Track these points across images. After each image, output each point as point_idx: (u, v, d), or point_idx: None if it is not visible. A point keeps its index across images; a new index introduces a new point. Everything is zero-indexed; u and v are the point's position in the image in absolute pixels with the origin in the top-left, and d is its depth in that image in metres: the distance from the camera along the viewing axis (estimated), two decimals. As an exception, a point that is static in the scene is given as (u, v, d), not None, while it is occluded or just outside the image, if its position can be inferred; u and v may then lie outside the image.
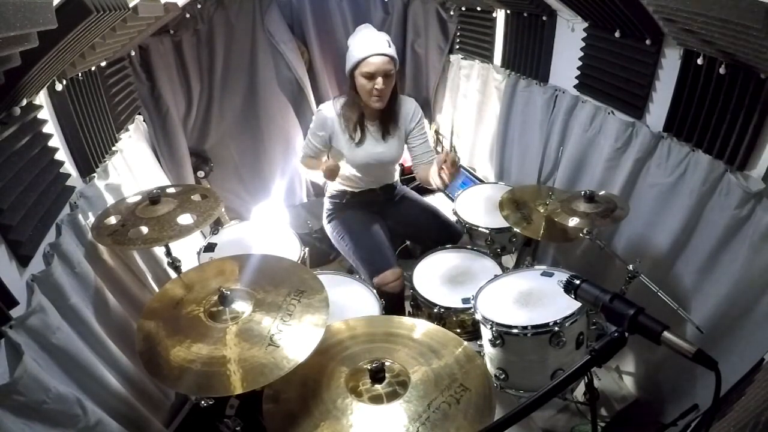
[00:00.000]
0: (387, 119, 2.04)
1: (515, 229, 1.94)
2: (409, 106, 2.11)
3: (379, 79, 1.88)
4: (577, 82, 2.10)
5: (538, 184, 2.40)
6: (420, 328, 1.39)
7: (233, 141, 2.94)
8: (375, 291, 1.80)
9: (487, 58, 2.76)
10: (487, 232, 2.10)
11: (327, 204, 2.23)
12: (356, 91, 1.96)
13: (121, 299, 1.52)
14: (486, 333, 1.54)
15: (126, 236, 1.42)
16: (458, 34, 3.01)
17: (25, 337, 1.01)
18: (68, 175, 1.43)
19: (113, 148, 1.85)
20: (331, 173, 1.91)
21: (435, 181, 1.90)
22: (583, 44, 2.00)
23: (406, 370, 1.23)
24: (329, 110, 2.03)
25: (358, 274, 2.06)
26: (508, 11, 2.49)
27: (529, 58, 2.39)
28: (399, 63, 1.98)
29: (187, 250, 1.88)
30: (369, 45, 1.89)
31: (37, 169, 1.25)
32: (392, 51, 1.91)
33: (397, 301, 1.99)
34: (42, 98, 1.41)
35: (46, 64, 1.11)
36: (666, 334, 0.77)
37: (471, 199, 2.35)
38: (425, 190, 3.15)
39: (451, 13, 2.96)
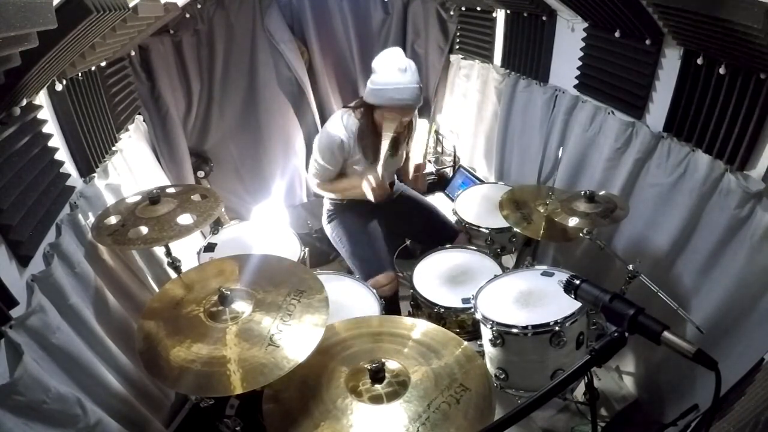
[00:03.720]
0: (402, 139, 2.05)
1: (515, 229, 1.94)
2: (416, 117, 2.13)
3: (402, 120, 1.88)
4: (577, 82, 2.10)
5: (538, 184, 2.40)
6: (420, 328, 1.39)
7: (233, 141, 2.94)
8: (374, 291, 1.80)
9: (487, 58, 2.76)
10: (487, 232, 2.10)
11: (327, 204, 2.23)
12: (373, 119, 1.91)
13: (121, 299, 1.52)
14: (486, 333, 1.54)
15: (126, 236, 1.43)
16: (458, 34, 3.01)
17: (25, 337, 1.01)
18: (68, 175, 1.43)
19: (113, 148, 1.85)
20: (381, 193, 1.92)
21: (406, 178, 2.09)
22: (583, 44, 2.00)
23: (406, 370, 1.23)
24: (340, 131, 1.93)
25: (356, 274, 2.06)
26: (508, 11, 2.49)
27: (529, 58, 2.39)
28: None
29: (187, 250, 1.88)
30: (402, 94, 1.80)
31: (37, 169, 1.25)
32: (421, 96, 1.85)
33: (392, 303, 2.00)
34: (42, 98, 1.41)
35: (46, 64, 1.11)
36: (666, 334, 0.77)
37: (471, 199, 2.35)
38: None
39: (451, 13, 2.96)
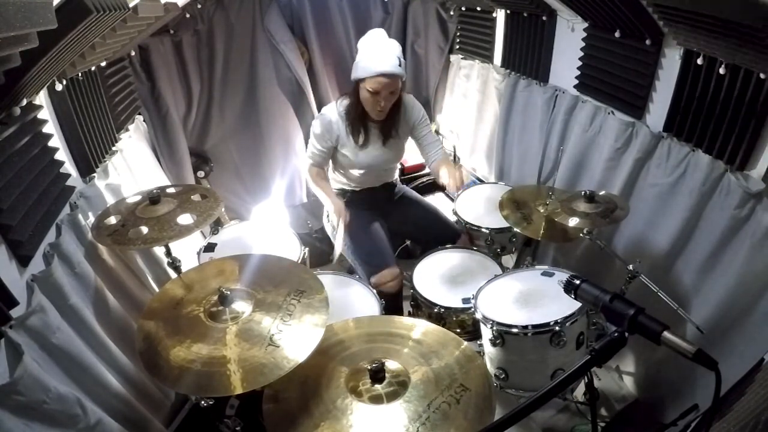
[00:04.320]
0: (389, 124, 2.04)
1: (515, 229, 1.94)
2: (409, 104, 2.11)
3: (383, 95, 1.88)
4: (577, 82, 2.10)
5: (538, 184, 2.40)
6: (420, 328, 1.39)
7: (233, 141, 2.94)
8: (375, 291, 1.80)
9: (487, 58, 2.76)
10: (487, 232, 2.10)
11: (327, 204, 2.23)
12: (359, 98, 1.95)
13: (121, 299, 1.52)
14: (486, 333, 1.54)
15: (126, 236, 1.43)
16: (458, 34, 3.01)
17: (25, 337, 1.01)
18: (68, 175, 1.43)
19: (113, 148, 1.85)
20: (341, 215, 1.97)
21: (443, 182, 2.02)
22: (583, 44, 2.00)
23: (406, 370, 1.23)
24: (332, 113, 2.01)
25: (357, 273, 2.06)
26: (508, 11, 2.49)
27: (529, 58, 2.39)
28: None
29: (187, 250, 1.88)
30: (379, 62, 1.84)
31: (37, 169, 1.25)
32: (401, 69, 1.87)
33: (395, 301, 1.99)
34: (42, 98, 1.41)
35: (46, 64, 1.11)
36: (666, 334, 0.77)
37: (471, 199, 2.35)
38: (425, 189, 3.15)
39: (451, 13, 2.96)
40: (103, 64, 1.82)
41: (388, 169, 2.21)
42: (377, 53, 1.87)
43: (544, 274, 1.68)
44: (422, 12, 2.99)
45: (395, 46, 1.90)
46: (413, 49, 3.09)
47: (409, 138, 2.18)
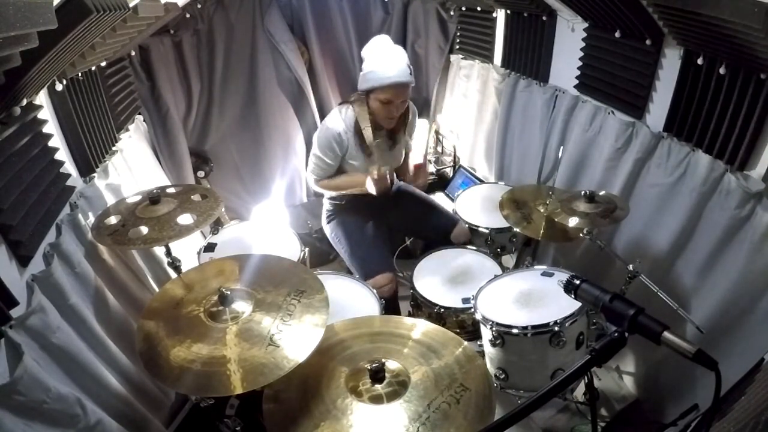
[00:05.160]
0: (396, 130, 2.03)
1: (515, 229, 1.94)
2: (413, 112, 2.12)
3: (396, 104, 1.86)
4: (577, 82, 2.10)
5: (538, 184, 2.40)
6: (420, 328, 1.39)
7: (233, 141, 2.94)
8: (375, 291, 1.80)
9: (487, 58, 2.76)
10: (487, 232, 2.10)
11: (326, 205, 2.23)
12: (368, 105, 1.91)
13: (121, 299, 1.52)
14: (486, 333, 1.54)
15: (126, 236, 1.43)
16: (458, 34, 3.01)
17: (25, 337, 1.01)
18: (68, 175, 1.43)
19: (113, 148, 1.85)
20: (383, 186, 1.90)
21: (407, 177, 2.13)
22: (583, 44, 2.00)
23: (406, 370, 1.23)
24: (338, 124, 1.95)
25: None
26: (508, 11, 2.49)
27: (529, 58, 2.39)
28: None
29: (187, 250, 1.88)
30: (390, 71, 1.81)
31: (37, 169, 1.25)
32: (412, 77, 1.85)
33: (392, 304, 2.00)
34: (42, 98, 1.41)
35: (46, 64, 1.11)
36: (666, 334, 0.77)
37: (471, 199, 2.35)
38: (424, 189, 3.15)
39: (451, 13, 2.96)
40: (103, 64, 1.82)
41: (389, 170, 2.21)
42: (387, 62, 1.83)
43: (544, 274, 1.68)
44: (422, 12, 2.99)
45: (403, 53, 1.87)
46: (413, 49, 3.09)
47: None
